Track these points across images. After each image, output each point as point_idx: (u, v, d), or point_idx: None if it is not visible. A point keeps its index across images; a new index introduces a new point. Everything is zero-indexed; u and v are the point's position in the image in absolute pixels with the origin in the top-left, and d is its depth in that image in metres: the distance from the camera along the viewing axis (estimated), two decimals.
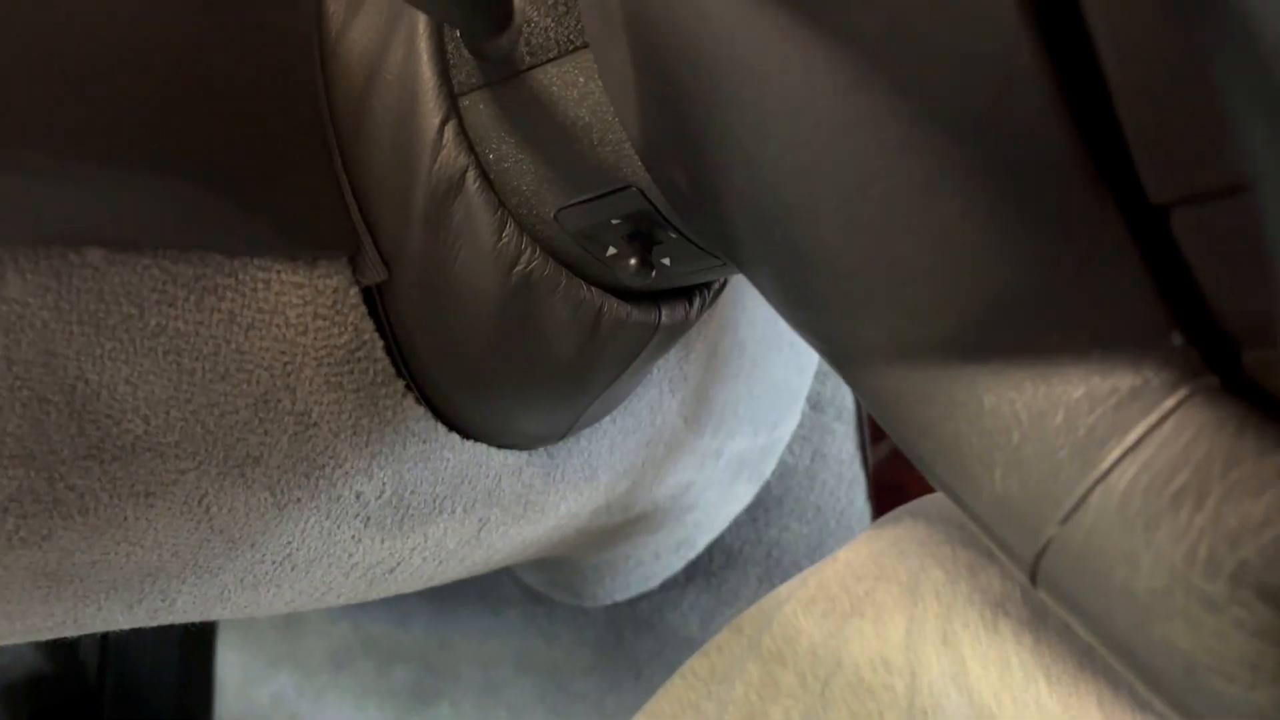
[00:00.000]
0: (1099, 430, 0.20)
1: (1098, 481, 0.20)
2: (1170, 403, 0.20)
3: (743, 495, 0.62)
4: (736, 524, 0.65)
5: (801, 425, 0.68)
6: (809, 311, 0.26)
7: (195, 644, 0.82)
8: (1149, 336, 0.20)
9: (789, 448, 0.66)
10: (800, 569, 0.68)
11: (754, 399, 0.55)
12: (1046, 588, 0.22)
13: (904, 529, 0.35)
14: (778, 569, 0.65)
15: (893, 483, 0.68)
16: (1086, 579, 0.21)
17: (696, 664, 0.38)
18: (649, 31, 0.25)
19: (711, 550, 0.66)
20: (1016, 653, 0.29)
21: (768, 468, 0.62)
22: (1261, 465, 0.19)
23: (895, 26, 0.20)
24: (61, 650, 0.77)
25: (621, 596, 0.65)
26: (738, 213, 0.25)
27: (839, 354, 0.26)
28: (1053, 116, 0.18)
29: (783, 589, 0.37)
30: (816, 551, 0.64)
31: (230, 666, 0.84)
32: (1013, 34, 0.18)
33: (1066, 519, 0.21)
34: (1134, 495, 0.20)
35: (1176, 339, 0.20)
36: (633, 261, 0.32)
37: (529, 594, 0.73)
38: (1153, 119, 0.18)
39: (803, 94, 0.21)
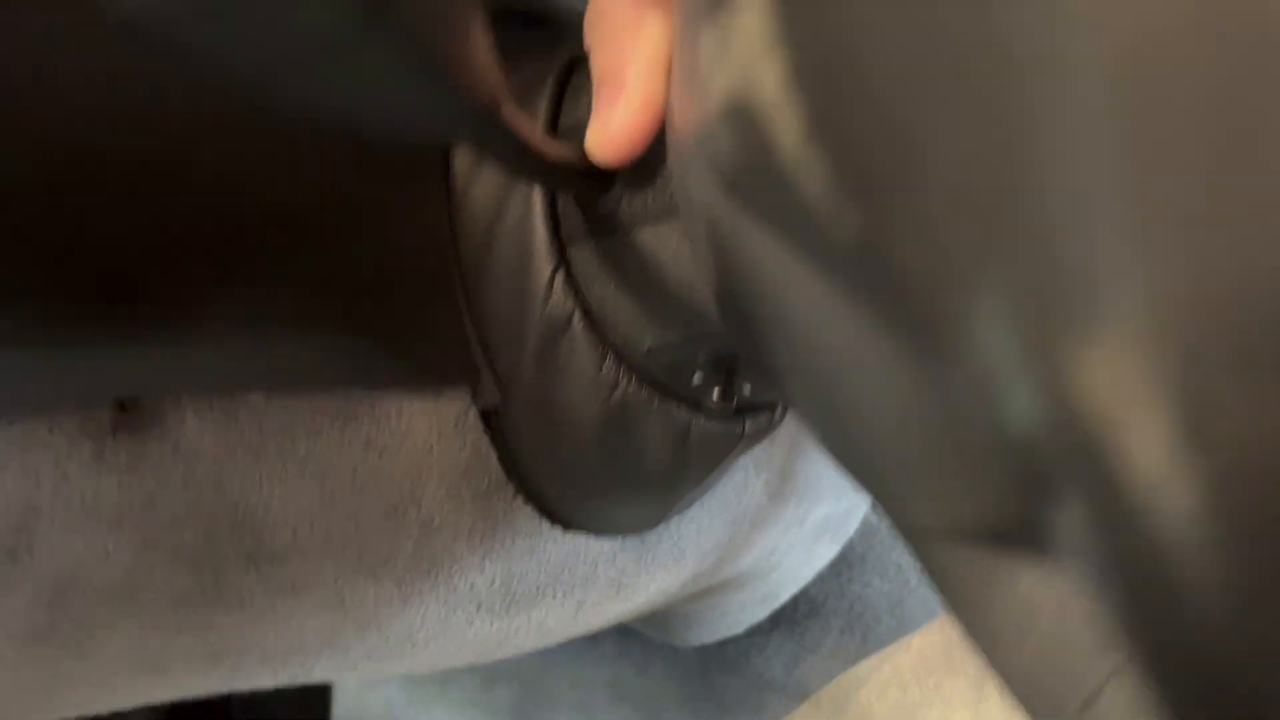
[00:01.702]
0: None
1: (1111, 675, 0.23)
2: None
3: (825, 553, 0.65)
4: (820, 577, 0.67)
5: None
6: (859, 486, 0.29)
7: None
8: None
9: (872, 507, 0.68)
10: (880, 622, 0.70)
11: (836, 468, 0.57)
12: None
13: None
14: (859, 622, 0.68)
15: None
16: None
17: None
18: (713, 239, 0.28)
19: (796, 599, 0.68)
20: None
21: (850, 527, 0.65)
22: None
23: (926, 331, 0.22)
24: None
25: (709, 640, 0.68)
26: (793, 398, 0.29)
27: (892, 525, 0.29)
28: None
29: (860, 668, 0.40)
30: (897, 607, 0.66)
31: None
32: None
33: (1083, 709, 0.23)
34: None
35: None
36: (715, 392, 0.36)
37: (623, 627, 0.77)
38: None
39: (847, 354, 0.24)
